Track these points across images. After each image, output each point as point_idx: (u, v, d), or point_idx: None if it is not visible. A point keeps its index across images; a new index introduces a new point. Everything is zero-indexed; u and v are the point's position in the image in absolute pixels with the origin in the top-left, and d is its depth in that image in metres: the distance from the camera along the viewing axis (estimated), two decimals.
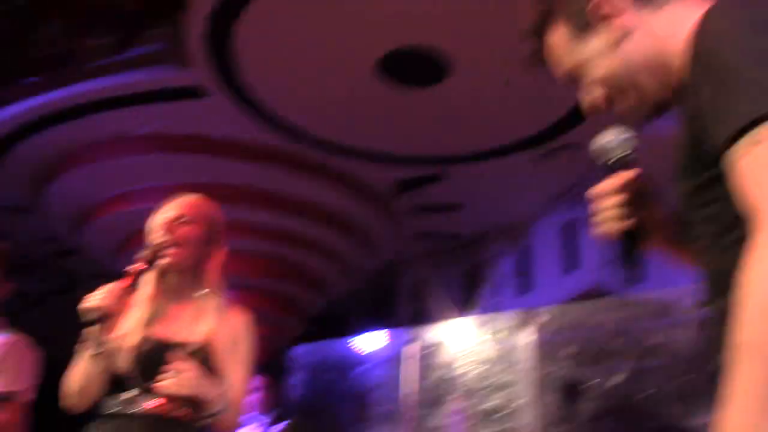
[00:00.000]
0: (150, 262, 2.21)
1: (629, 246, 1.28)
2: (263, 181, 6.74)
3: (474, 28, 4.83)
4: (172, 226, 2.28)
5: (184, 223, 2.30)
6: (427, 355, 4.19)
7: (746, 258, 0.95)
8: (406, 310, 3.67)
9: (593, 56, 1.23)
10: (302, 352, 4.88)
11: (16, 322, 2.85)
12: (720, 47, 1.03)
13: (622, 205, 1.27)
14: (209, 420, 2.12)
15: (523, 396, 3.63)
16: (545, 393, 3.59)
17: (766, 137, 0.95)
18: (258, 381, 4.03)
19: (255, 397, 4.09)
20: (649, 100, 1.21)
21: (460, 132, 6.13)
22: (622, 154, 1.28)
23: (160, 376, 2.05)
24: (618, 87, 1.21)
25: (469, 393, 3.92)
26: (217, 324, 2.25)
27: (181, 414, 2.10)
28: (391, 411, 4.19)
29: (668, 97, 1.19)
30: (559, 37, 1.30)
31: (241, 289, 5.97)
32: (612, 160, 1.29)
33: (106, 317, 2.08)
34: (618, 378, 3.65)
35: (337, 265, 8.00)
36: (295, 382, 4.83)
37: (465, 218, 7.94)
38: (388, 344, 4.45)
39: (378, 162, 6.72)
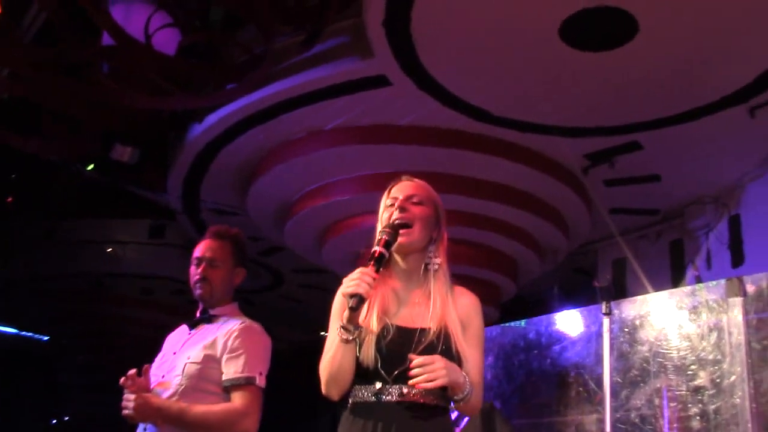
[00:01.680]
0: (388, 245, 2.25)
1: None
2: (452, 165, 6.74)
3: None
4: (406, 204, 2.32)
5: (416, 203, 2.34)
6: (630, 332, 3.98)
7: None
8: (605, 289, 3.51)
9: None
10: (495, 333, 4.81)
11: None
12: None
13: None
14: (460, 404, 2.15)
15: (733, 373, 3.34)
16: (757, 369, 3.28)
17: None
18: None
19: None
20: None
21: (652, 95, 5.77)
22: None
23: (410, 372, 2.07)
24: None
25: (676, 370, 3.68)
26: (447, 307, 2.26)
27: (433, 402, 2.14)
28: (592, 391, 4.03)
29: None
30: None
31: None
32: None
33: (363, 303, 2.13)
34: None
35: (531, 247, 7.85)
36: (488, 364, 4.77)
37: (665, 189, 7.48)
38: (586, 323, 4.28)
39: (566, 135, 6.49)
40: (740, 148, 6.54)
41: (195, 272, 2.93)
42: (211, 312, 2.92)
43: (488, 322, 8.43)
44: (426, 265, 2.32)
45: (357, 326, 2.14)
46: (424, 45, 5.30)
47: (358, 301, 2.08)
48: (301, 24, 5.53)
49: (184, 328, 2.99)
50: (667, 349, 3.76)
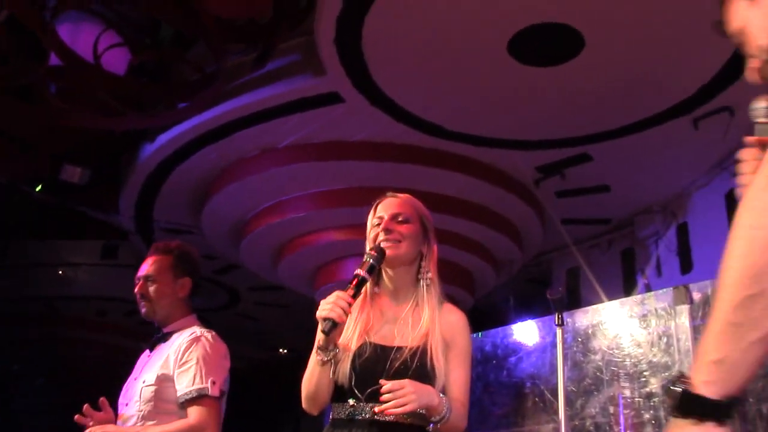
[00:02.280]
0: (372, 269, 2.25)
1: None
2: (405, 180, 6.77)
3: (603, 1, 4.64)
4: (391, 224, 2.32)
5: (402, 221, 2.34)
6: (583, 341, 4.04)
7: None
8: (558, 300, 3.57)
9: (756, 24, 1.23)
10: None
11: None
12: None
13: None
14: (438, 425, 2.13)
15: None
16: None
17: None
18: None
19: None
20: None
21: (600, 108, 5.90)
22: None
23: (381, 398, 2.06)
24: None
25: (628, 378, 3.75)
26: (433, 324, 2.25)
27: (407, 421, 2.13)
28: (548, 401, 4.09)
29: None
30: None
31: None
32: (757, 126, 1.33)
33: (336, 327, 2.13)
34: None
35: (486, 259, 7.93)
36: None
37: (615, 199, 7.64)
38: (541, 333, 4.34)
39: (518, 149, 6.60)
40: (686, 158, 6.72)
41: (136, 292, 2.91)
42: (165, 330, 2.89)
43: None
44: (418, 279, 2.34)
45: (332, 348, 2.15)
46: (376, 62, 5.35)
47: (330, 325, 2.09)
48: (252, 42, 5.53)
49: (146, 351, 2.96)
50: (619, 357, 3.83)
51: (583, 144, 6.52)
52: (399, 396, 2.02)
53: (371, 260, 2.23)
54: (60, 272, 10.91)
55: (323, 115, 6.10)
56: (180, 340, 2.76)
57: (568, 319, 3.95)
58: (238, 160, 6.88)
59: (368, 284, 2.28)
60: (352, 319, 2.26)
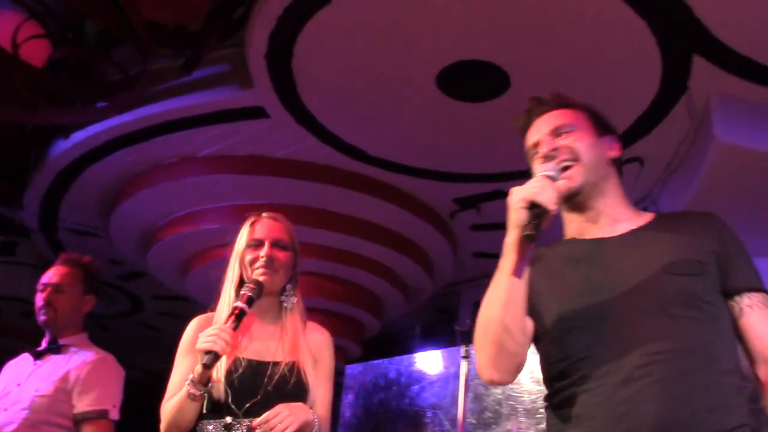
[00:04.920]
0: (251, 301, 2.24)
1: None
2: (324, 201, 6.80)
3: (530, 42, 4.79)
4: (274, 253, 2.32)
5: (282, 248, 2.34)
6: None
7: None
8: (465, 332, 3.63)
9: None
10: (356, 371, 4.85)
11: None
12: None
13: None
14: None
15: None
16: None
17: None
18: None
19: None
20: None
21: (520, 148, 6.05)
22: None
23: (259, 424, 2.07)
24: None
25: (526, 413, 3.83)
26: (300, 341, 2.27)
27: None
28: (447, 431, 4.13)
29: None
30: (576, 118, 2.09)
31: None
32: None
33: (217, 360, 2.10)
34: None
35: (397, 286, 7.98)
36: (348, 402, 4.80)
37: None
38: (445, 364, 4.40)
39: (438, 180, 6.70)
40: None
41: (40, 298, 2.84)
42: (60, 341, 2.81)
43: (351, 358, 8.51)
44: (282, 302, 2.35)
45: (208, 383, 2.13)
46: (305, 81, 5.36)
47: (212, 358, 2.08)
48: (180, 48, 5.45)
49: (27, 357, 2.86)
50: (518, 393, 3.92)
51: (501, 181, 6.67)
52: (280, 422, 2.03)
53: (250, 293, 2.26)
54: None
55: (247, 128, 6.04)
56: (83, 358, 2.72)
57: (473, 352, 4.02)
58: (155, 166, 6.73)
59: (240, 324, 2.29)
60: None
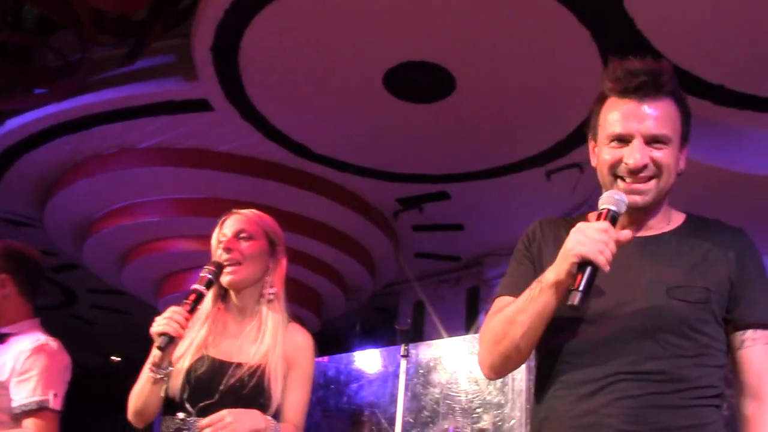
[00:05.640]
0: (210, 283, 2.20)
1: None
2: (266, 197, 6.74)
3: (477, 45, 4.84)
4: (232, 243, 2.27)
5: (246, 238, 2.29)
6: (424, 374, 4.15)
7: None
8: (405, 332, 3.64)
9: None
10: None
11: None
12: None
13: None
14: None
15: (513, 417, 3.59)
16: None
17: None
18: None
19: None
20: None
21: (464, 150, 6.12)
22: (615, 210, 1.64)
23: (202, 429, 2.04)
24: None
25: (463, 413, 3.88)
26: (275, 343, 2.22)
27: None
28: (385, 430, 4.15)
29: None
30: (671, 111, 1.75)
31: None
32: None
33: (172, 343, 2.06)
34: None
35: (338, 284, 7.98)
36: None
37: (467, 238, 7.91)
38: (384, 363, 4.42)
39: (382, 179, 6.72)
40: (537, 207, 7.05)
41: None
42: (2, 330, 2.70)
43: None
44: (260, 296, 2.31)
45: (167, 366, 2.10)
46: (251, 75, 5.31)
47: (166, 341, 2.04)
48: (123, 36, 5.34)
49: None
50: (456, 392, 3.96)
51: (444, 182, 6.73)
52: (220, 428, 2.01)
53: (209, 275, 2.22)
54: None
55: (190, 121, 5.96)
56: (20, 346, 2.59)
57: (413, 351, 4.05)
58: (94, 156, 6.58)
59: (211, 299, 2.27)
60: (191, 333, 2.22)
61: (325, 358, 4.65)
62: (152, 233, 7.07)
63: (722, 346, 1.70)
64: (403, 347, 3.73)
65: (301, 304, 7.82)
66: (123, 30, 5.15)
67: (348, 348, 7.54)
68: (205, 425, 2.03)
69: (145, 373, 2.12)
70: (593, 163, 1.79)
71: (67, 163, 6.75)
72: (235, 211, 2.40)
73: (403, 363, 3.73)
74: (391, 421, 3.84)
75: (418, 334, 8.28)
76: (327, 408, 4.47)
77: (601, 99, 1.77)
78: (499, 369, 1.79)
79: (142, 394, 2.12)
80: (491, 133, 5.87)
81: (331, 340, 9.45)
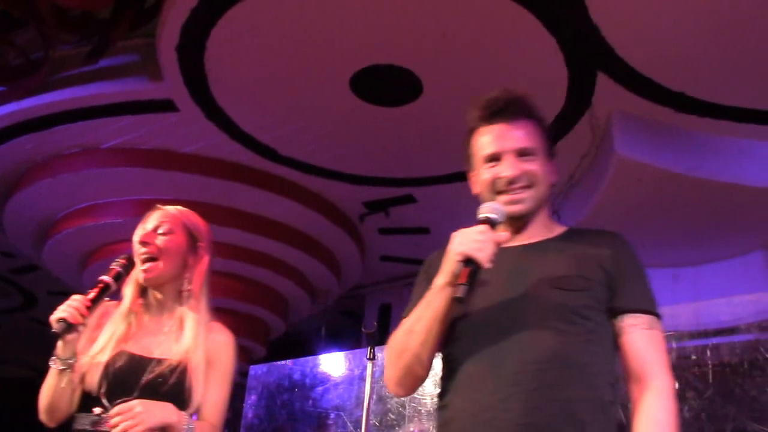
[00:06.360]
0: (119, 276, 2.18)
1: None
2: (231, 199, 6.70)
3: (444, 49, 4.86)
4: (149, 237, 2.24)
5: (163, 233, 2.26)
6: None
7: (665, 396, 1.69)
8: (372, 335, 3.64)
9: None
10: (260, 372, 4.80)
11: None
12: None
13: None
14: None
15: None
16: None
17: None
18: None
19: None
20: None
21: (429, 154, 6.14)
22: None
23: (108, 423, 1.99)
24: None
25: (428, 415, 3.88)
26: (195, 341, 2.19)
27: None
28: None
29: None
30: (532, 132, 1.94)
31: None
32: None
33: (71, 330, 2.02)
34: None
35: (303, 287, 7.95)
36: (251, 403, 4.75)
37: (432, 242, 7.91)
38: (349, 366, 4.40)
39: (348, 182, 6.71)
40: None
41: None
42: None
43: (255, 359, 8.38)
44: (180, 293, 2.28)
45: (71, 357, 2.07)
46: (216, 76, 5.27)
47: (63, 326, 2.02)
48: (87, 35, 5.27)
49: None
50: (421, 395, 3.96)
51: (410, 186, 6.74)
52: (128, 418, 1.98)
53: (119, 268, 2.21)
54: None
55: (154, 121, 5.89)
56: None
57: (379, 354, 4.04)
58: (56, 156, 6.47)
59: (131, 294, 2.25)
60: (109, 328, 2.20)
61: (291, 362, 4.62)
62: (115, 235, 6.96)
63: (608, 333, 1.79)
64: (369, 350, 3.72)
65: (267, 307, 7.77)
66: (86, 28, 5.08)
67: (313, 351, 7.54)
68: (114, 414, 2.00)
69: (51, 366, 2.09)
70: (475, 190, 1.96)
71: (28, 162, 6.63)
72: (159, 206, 2.38)
73: (369, 366, 3.72)
74: (357, 425, 3.83)
75: (384, 337, 8.26)
76: (292, 411, 4.44)
77: (471, 131, 2.04)
78: (406, 383, 1.86)
79: (49, 389, 2.08)
80: (456, 138, 5.87)
81: (297, 344, 9.42)
